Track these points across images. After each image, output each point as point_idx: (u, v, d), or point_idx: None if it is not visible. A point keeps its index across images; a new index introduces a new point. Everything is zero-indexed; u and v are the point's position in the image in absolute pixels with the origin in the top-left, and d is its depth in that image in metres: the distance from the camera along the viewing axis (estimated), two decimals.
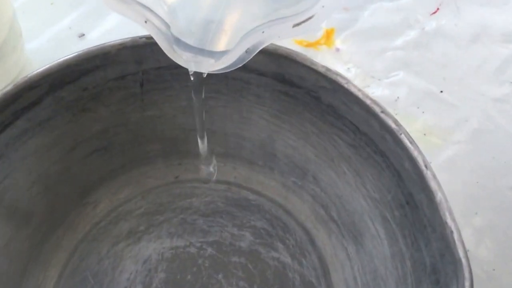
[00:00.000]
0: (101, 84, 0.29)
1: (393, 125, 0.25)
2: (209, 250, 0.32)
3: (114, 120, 0.31)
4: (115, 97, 0.30)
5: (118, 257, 0.32)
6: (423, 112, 0.39)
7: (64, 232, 0.32)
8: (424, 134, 0.38)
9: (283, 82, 0.29)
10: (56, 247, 0.32)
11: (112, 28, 0.43)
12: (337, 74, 0.26)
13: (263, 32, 0.22)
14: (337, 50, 0.43)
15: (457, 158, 0.37)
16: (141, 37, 0.27)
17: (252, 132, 0.33)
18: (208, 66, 0.23)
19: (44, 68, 0.26)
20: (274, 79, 0.29)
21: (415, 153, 0.24)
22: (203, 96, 0.26)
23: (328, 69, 0.26)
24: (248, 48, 0.23)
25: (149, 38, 0.27)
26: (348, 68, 0.41)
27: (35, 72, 0.26)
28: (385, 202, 0.27)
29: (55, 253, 0.31)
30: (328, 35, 0.43)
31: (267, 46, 0.24)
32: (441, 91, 0.40)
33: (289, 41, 0.42)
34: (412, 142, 0.24)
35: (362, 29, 0.44)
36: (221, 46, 0.22)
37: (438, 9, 0.45)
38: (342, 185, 0.30)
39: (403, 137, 0.24)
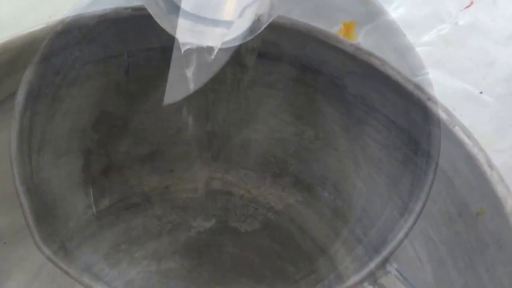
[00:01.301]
0: (77, 68, 0.27)
1: (444, 116, 0.23)
2: (205, 274, 0.31)
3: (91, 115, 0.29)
4: (94, 85, 0.28)
5: (93, 281, 0.29)
6: (460, 116, 0.36)
7: (27, 250, 0.29)
8: None
9: (299, 68, 0.27)
10: (16, 269, 0.30)
11: None
12: (370, 54, 0.25)
13: None
14: None
15: (500, 171, 0.35)
16: (126, 8, 0.25)
17: (259, 131, 0.31)
18: (211, 38, 0.21)
19: (1, 42, 0.25)
20: (289, 64, 0.27)
21: (474, 150, 0.22)
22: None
23: (358, 48, 0.25)
24: (260, 15, 0.22)
25: (136, 9, 0.26)
26: None
27: None
28: (428, 215, 0.25)
29: (15, 275, 0.30)
30: (348, 29, 0.41)
31: (282, 21, 0.24)
32: (481, 92, 0.39)
33: None
34: (470, 136, 0.22)
35: (387, 23, 0.42)
36: (227, 12, 0.21)
37: (472, 2, 0.44)
38: (371, 196, 0.28)
39: (457, 130, 0.22)
